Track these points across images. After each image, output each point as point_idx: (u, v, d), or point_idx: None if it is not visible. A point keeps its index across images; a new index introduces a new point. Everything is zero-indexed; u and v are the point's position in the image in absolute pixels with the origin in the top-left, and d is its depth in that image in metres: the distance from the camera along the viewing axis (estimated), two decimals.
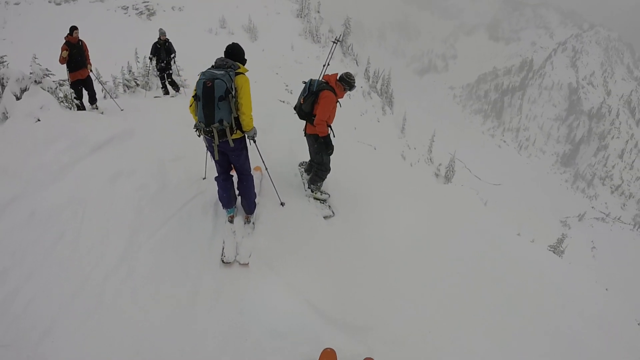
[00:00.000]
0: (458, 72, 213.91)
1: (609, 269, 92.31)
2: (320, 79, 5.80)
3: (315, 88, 5.63)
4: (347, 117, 31.51)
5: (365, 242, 5.84)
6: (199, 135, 4.67)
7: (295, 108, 5.98)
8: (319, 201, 6.35)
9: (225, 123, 4.50)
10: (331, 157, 6.13)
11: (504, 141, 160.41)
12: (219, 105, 4.41)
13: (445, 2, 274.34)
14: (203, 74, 4.46)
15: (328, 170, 6.21)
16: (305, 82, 5.83)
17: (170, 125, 8.40)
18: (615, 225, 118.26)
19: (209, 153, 5.06)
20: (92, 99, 10.38)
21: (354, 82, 5.86)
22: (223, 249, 5.01)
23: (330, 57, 6.36)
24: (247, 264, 4.88)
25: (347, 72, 5.82)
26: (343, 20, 54.41)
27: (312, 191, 6.39)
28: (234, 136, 4.73)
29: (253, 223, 5.50)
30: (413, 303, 4.93)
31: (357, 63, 54.91)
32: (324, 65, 6.19)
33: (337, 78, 5.72)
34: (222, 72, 4.42)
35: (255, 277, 4.77)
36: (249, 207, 5.45)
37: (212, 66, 4.60)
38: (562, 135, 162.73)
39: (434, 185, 18.68)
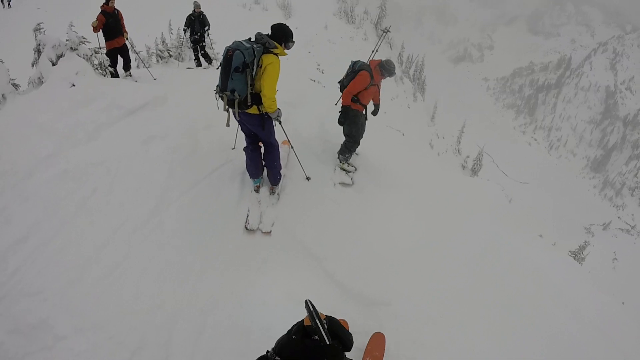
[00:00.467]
0: (493, 64, 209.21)
1: (628, 283, 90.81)
2: (367, 62, 6.36)
3: (357, 68, 6.20)
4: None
5: (387, 224, 5.89)
6: (217, 99, 4.81)
7: (339, 82, 6.63)
8: (344, 172, 6.59)
9: (236, 94, 4.52)
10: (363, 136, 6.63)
11: (535, 139, 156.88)
12: (232, 76, 4.45)
13: None
14: (233, 42, 4.51)
15: (356, 143, 6.54)
16: (352, 61, 6.44)
17: (202, 95, 8.49)
18: (638, 238, 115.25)
19: (239, 125, 5.16)
20: (127, 66, 10.59)
21: (394, 70, 6.31)
22: (247, 216, 5.18)
23: (379, 45, 7.35)
24: (269, 232, 5.05)
25: (388, 60, 6.30)
26: (379, 1, 53.46)
27: (340, 161, 6.66)
28: (250, 111, 4.75)
29: (278, 194, 5.67)
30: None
31: (390, 47, 54.08)
32: (372, 51, 7.18)
33: (379, 64, 6.20)
34: (249, 45, 4.41)
35: (276, 245, 4.95)
36: (274, 178, 5.57)
37: (249, 38, 4.60)
38: (594, 139, 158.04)
39: (460, 176, 18.48)
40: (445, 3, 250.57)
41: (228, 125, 4.97)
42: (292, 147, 6.07)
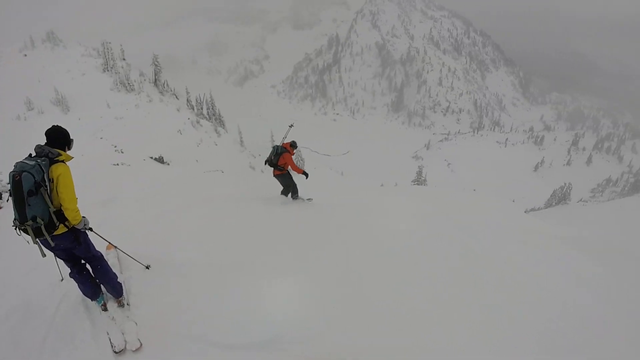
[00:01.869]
0: (274, 70, 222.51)
1: (467, 174, 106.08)
2: (280, 144, 10.14)
3: (279, 151, 9.85)
4: (186, 153, 31.14)
5: (254, 265, 6.12)
6: (19, 234, 4.25)
7: (266, 162, 10.06)
8: (303, 200, 10.67)
9: (39, 220, 4.06)
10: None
11: (337, 114, 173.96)
12: (29, 202, 3.96)
13: (244, 8, 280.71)
14: (15, 165, 4.04)
15: (296, 185, 10.39)
16: (273, 147, 10.03)
17: (7, 239, 7.70)
18: (457, 138, 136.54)
19: (53, 252, 4.66)
20: None
21: (296, 144, 10.35)
22: (110, 340, 4.77)
23: (286, 135, 11.92)
24: (139, 347, 4.69)
25: (292, 141, 10.34)
26: (151, 59, 52.42)
27: (295, 198, 10.46)
28: (58, 232, 4.31)
29: (127, 303, 5.29)
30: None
31: (176, 97, 53.44)
32: (283, 138, 11.56)
33: (290, 144, 10.12)
34: (34, 162, 3.98)
35: (153, 352, 4.69)
36: (115, 290, 5.16)
37: (30, 155, 4.18)
38: (385, 88, 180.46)
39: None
40: (213, 37, 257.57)
41: (44, 255, 4.41)
42: (117, 248, 5.80)
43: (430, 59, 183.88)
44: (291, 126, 12.07)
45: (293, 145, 10.24)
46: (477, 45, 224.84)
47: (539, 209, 69.81)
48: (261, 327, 4.83)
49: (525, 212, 39.64)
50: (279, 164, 9.87)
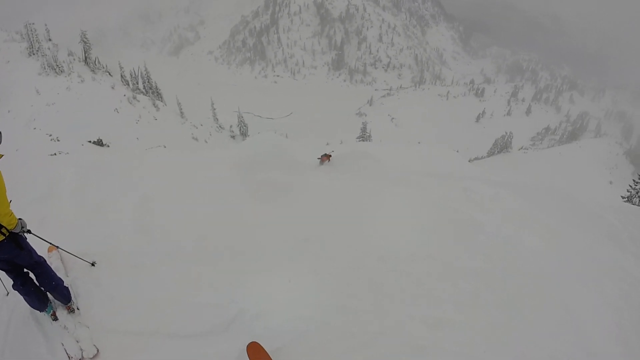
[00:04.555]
0: (211, 35, 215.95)
1: (411, 128, 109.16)
2: (324, 153, 14.99)
3: (322, 155, 14.65)
4: (125, 132, 30.07)
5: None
6: None
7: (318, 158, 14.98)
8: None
9: None
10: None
11: (278, 75, 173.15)
12: None
13: None
14: None
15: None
16: (322, 154, 15.06)
17: None
18: (400, 93, 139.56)
19: None
20: None
21: (331, 156, 14.91)
22: (66, 351, 4.56)
23: (328, 151, 15.66)
24: (97, 353, 4.56)
25: (329, 153, 14.99)
26: (79, 37, 49.14)
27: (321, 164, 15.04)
28: None
29: (77, 307, 5.05)
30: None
31: (110, 73, 50.56)
32: (328, 150, 16.70)
33: (329, 154, 14.75)
34: None
35: (111, 354, 4.62)
36: (62, 296, 4.86)
37: None
38: (324, 47, 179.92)
39: (232, 144, 19.10)
40: (144, 4, 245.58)
41: None
42: (59, 248, 5.49)
43: (369, 15, 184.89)
44: (332, 152, 16.22)
45: (330, 155, 16.43)
46: (416, 1, 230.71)
47: (482, 157, 72.83)
48: (217, 315, 4.89)
49: (469, 161, 41.25)
50: (323, 159, 15.90)
